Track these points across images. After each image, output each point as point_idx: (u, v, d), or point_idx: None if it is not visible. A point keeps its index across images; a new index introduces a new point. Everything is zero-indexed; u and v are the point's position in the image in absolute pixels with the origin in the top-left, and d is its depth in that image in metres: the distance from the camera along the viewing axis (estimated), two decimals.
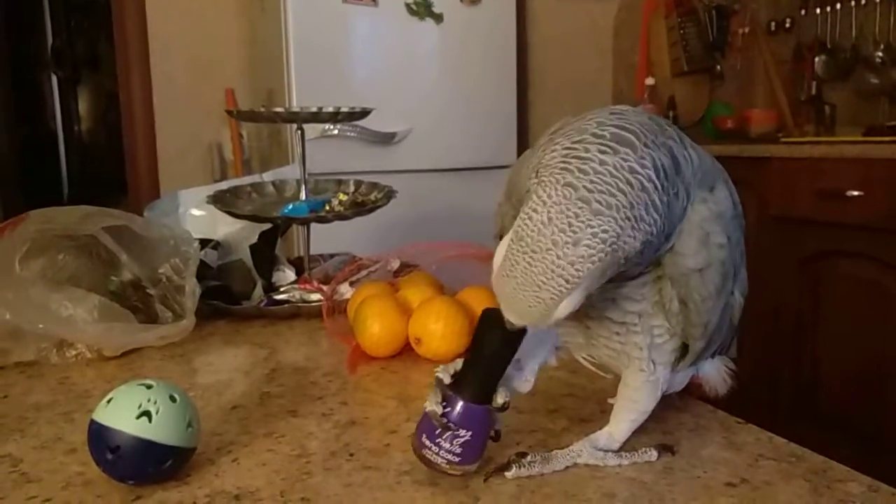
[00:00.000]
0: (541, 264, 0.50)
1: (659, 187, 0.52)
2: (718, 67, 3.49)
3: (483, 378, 0.60)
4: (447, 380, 0.61)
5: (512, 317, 0.55)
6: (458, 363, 0.62)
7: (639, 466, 0.64)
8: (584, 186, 0.50)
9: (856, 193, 2.21)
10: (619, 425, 0.66)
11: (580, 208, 0.49)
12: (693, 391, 0.74)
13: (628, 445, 0.66)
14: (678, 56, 3.45)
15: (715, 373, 0.73)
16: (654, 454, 0.65)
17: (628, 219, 0.50)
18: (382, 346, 0.96)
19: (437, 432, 0.59)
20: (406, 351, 0.97)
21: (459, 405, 0.59)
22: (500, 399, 0.61)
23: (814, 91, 3.15)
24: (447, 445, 0.59)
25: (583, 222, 0.49)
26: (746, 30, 3.43)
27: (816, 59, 3.12)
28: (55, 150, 5.90)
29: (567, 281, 0.50)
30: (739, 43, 3.46)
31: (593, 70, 3.47)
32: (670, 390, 0.69)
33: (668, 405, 0.76)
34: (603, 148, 0.52)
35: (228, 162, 3.07)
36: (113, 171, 4.06)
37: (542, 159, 0.54)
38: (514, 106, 2.96)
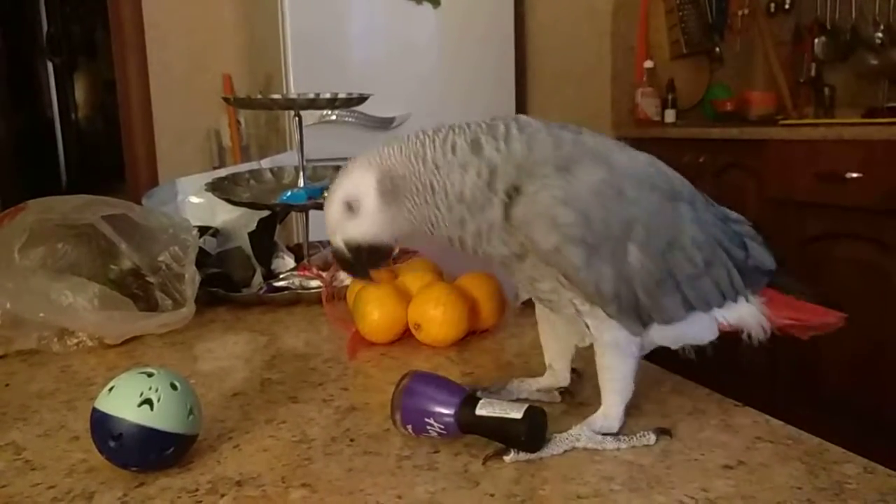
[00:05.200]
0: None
1: (434, 148, 0.67)
2: (718, 50, 3.47)
3: (484, 431, 0.65)
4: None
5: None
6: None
7: (637, 450, 0.64)
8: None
9: (855, 175, 2.21)
10: (608, 399, 0.67)
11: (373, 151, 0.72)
12: (729, 337, 0.69)
13: (626, 429, 0.66)
14: (677, 38, 3.43)
15: (750, 318, 0.69)
16: (651, 437, 0.65)
17: (396, 154, 0.70)
18: (382, 331, 0.96)
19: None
20: (406, 337, 0.97)
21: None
22: None
23: (813, 73, 3.14)
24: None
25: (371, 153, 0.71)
26: (746, 11, 3.41)
27: (816, 40, 3.11)
28: (52, 139, 5.88)
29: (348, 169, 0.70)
30: (739, 25, 3.44)
31: (592, 53, 3.44)
32: (688, 342, 0.69)
33: (666, 389, 0.77)
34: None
35: (227, 149, 3.06)
36: (111, 158, 4.04)
37: None
38: (512, 90, 2.94)
